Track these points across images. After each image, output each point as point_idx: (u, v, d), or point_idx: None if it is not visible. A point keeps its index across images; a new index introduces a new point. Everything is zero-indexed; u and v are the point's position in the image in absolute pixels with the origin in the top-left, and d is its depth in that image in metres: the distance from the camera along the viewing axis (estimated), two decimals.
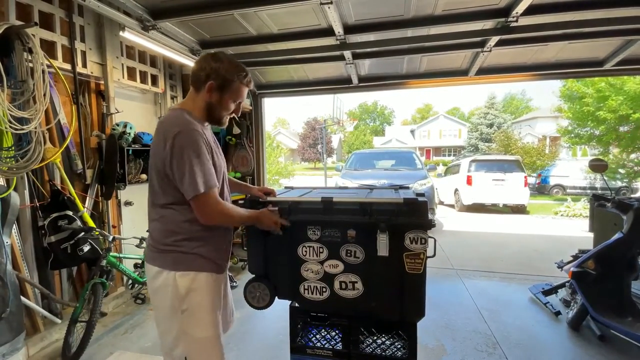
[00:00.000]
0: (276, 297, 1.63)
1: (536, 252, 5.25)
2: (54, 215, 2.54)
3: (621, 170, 11.05)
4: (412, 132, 39.94)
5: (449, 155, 35.51)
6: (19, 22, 2.36)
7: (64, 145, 2.72)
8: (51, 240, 2.49)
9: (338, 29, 2.90)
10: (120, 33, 2.89)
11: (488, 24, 2.90)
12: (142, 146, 3.39)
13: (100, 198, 3.14)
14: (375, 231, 1.40)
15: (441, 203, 11.25)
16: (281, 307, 1.76)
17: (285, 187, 2.04)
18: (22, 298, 2.34)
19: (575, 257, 3.02)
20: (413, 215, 1.41)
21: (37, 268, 2.61)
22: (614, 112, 10.28)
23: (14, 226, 2.40)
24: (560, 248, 4.93)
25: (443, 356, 2.46)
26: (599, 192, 6.62)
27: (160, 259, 1.32)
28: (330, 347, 1.65)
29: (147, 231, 1.44)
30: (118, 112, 3.23)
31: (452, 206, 10.65)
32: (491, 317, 3.03)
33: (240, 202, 1.64)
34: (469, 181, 9.65)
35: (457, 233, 6.92)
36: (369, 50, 3.55)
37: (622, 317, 2.41)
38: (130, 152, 3.31)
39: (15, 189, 2.37)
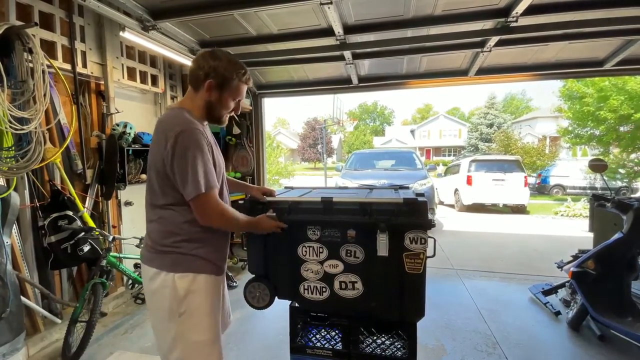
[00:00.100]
0: (276, 297, 1.63)
1: (536, 252, 5.25)
2: (54, 215, 2.54)
3: (621, 170, 11.06)
4: (412, 132, 39.94)
5: (449, 155, 35.51)
6: (19, 23, 2.36)
7: (64, 146, 2.73)
8: (51, 240, 2.49)
9: (338, 29, 2.91)
10: (120, 33, 2.89)
11: (488, 24, 2.90)
12: (142, 146, 3.39)
13: (100, 198, 3.14)
14: (375, 231, 1.40)
15: (441, 203, 11.25)
16: (281, 307, 1.76)
17: (285, 187, 2.04)
18: (22, 298, 2.34)
19: (575, 257, 3.02)
20: (413, 215, 1.41)
21: (37, 268, 2.61)
22: (614, 112, 10.29)
23: (14, 226, 2.40)
24: (560, 248, 4.93)
25: (443, 356, 2.46)
26: (599, 192, 6.62)
27: (159, 260, 1.30)
28: (330, 347, 1.65)
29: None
30: (118, 112, 3.23)
31: (452, 206, 10.65)
32: (491, 317, 3.03)
33: (240, 202, 1.64)
34: (469, 181, 9.65)
35: (457, 233, 6.92)
36: (368, 50, 3.55)
37: (622, 317, 2.41)
38: (130, 152, 3.31)
39: (15, 189, 2.37)
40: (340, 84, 4.39)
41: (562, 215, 8.97)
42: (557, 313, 2.98)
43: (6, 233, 2.24)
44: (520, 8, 2.54)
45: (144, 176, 3.51)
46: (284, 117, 60.42)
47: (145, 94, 3.93)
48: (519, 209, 9.65)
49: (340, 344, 1.64)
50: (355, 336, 1.59)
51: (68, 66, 2.83)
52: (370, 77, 4.29)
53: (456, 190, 10.19)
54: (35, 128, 2.31)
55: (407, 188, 2.05)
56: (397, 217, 1.42)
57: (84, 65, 2.99)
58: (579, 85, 11.35)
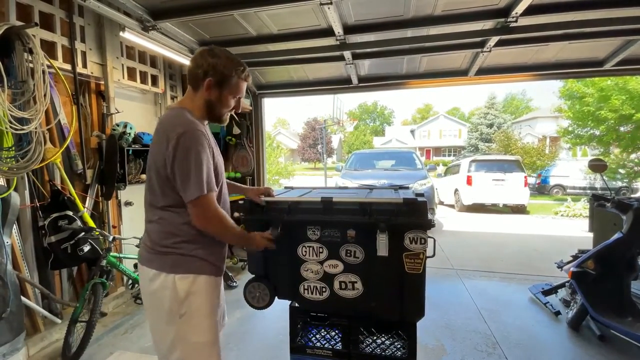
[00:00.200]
0: (276, 297, 1.63)
1: (536, 252, 5.25)
2: (54, 215, 2.54)
3: (621, 171, 11.05)
4: (412, 132, 39.94)
5: (449, 155, 35.50)
6: (19, 23, 2.36)
7: (64, 146, 2.73)
8: (51, 240, 2.49)
9: (338, 29, 2.91)
10: (121, 33, 2.89)
11: (488, 24, 2.90)
12: (142, 146, 3.40)
13: (100, 198, 3.14)
14: (374, 231, 1.40)
15: (441, 203, 11.25)
16: (281, 307, 1.76)
17: (285, 187, 2.04)
18: (23, 298, 2.35)
19: (575, 257, 3.02)
20: (413, 215, 1.41)
21: (37, 268, 2.61)
22: (615, 112, 10.28)
23: (14, 226, 2.40)
24: (560, 248, 4.93)
25: (443, 356, 2.46)
26: (599, 192, 6.62)
27: (158, 261, 1.28)
28: (330, 347, 1.65)
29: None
30: (118, 112, 3.23)
31: (452, 206, 10.65)
32: (491, 317, 3.03)
33: (241, 202, 1.64)
34: (469, 181, 9.65)
35: (457, 233, 6.92)
36: (368, 50, 3.55)
37: (622, 317, 2.41)
38: (131, 152, 3.31)
39: (15, 189, 2.38)
40: (340, 84, 4.39)
41: (562, 215, 8.97)
42: (557, 313, 2.98)
43: (6, 233, 2.24)
44: (520, 8, 2.54)
45: (144, 176, 3.51)
46: (284, 117, 60.55)
47: (146, 94, 3.93)
48: (519, 209, 9.65)
49: (340, 344, 1.64)
50: (355, 336, 1.59)
51: (68, 66, 2.83)
52: (370, 77, 4.29)
53: (456, 190, 10.19)
54: (36, 128, 2.31)
55: (407, 188, 2.05)
56: (397, 217, 1.42)
57: (84, 66, 2.99)
58: (579, 86, 11.34)
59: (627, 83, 9.87)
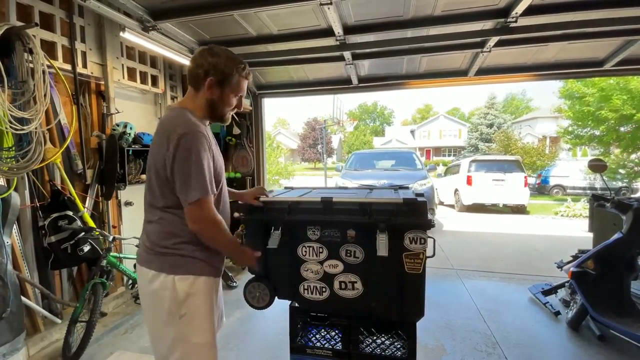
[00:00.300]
0: (276, 297, 1.63)
1: (536, 252, 5.25)
2: (54, 215, 2.54)
3: (621, 171, 11.05)
4: (412, 132, 39.94)
5: (449, 155, 35.50)
6: (19, 23, 2.36)
7: (64, 146, 2.73)
8: (51, 240, 2.49)
9: (338, 29, 2.91)
10: (121, 34, 2.89)
11: (488, 25, 2.91)
12: (142, 146, 3.40)
13: (100, 198, 3.15)
14: (374, 231, 1.40)
15: (441, 203, 11.25)
16: (281, 307, 1.76)
17: (285, 187, 2.05)
18: (23, 298, 2.35)
19: (575, 257, 3.03)
20: (412, 215, 1.41)
21: (37, 268, 2.61)
22: (616, 112, 10.28)
23: (15, 226, 2.40)
24: (560, 248, 4.93)
25: (443, 356, 2.46)
26: (599, 192, 6.62)
27: (158, 261, 1.28)
28: (330, 347, 1.65)
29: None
30: (118, 112, 3.24)
31: (452, 206, 10.64)
32: (491, 317, 3.03)
33: (241, 202, 1.64)
34: (469, 181, 9.65)
35: (457, 233, 6.92)
36: (368, 50, 3.55)
37: (621, 317, 2.41)
38: (131, 152, 3.31)
39: (15, 189, 2.38)
40: (340, 84, 4.39)
41: (562, 215, 8.97)
42: (557, 313, 2.98)
43: (6, 233, 2.25)
44: (519, 8, 2.54)
45: (144, 176, 3.51)
46: (284, 117, 60.53)
47: (146, 95, 3.93)
48: (519, 209, 9.65)
49: (340, 344, 1.64)
50: (355, 336, 1.59)
51: (68, 66, 2.83)
52: (370, 77, 4.29)
53: (456, 190, 10.19)
54: (36, 128, 2.31)
55: (407, 188, 2.05)
56: (397, 217, 1.42)
57: (84, 66, 2.99)
58: (579, 86, 11.34)
59: (628, 83, 9.87)
